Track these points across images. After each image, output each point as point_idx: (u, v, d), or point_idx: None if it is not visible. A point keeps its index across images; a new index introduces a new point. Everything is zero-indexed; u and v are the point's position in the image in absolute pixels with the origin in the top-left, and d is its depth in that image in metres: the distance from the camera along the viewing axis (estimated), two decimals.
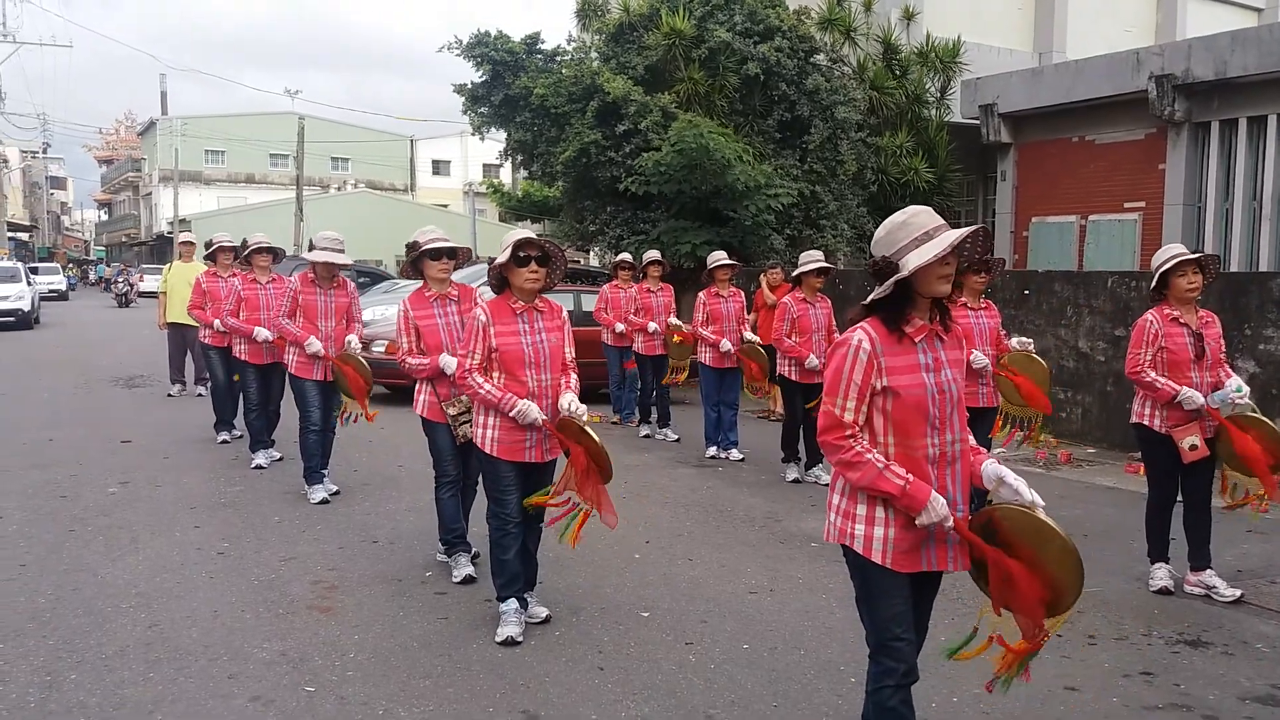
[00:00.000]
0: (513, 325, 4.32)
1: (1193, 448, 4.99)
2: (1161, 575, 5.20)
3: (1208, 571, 5.13)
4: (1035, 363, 6.27)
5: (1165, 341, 4.97)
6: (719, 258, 8.92)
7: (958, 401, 2.86)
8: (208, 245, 9.08)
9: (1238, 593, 5.04)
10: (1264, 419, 5.00)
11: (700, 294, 8.89)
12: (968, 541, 2.79)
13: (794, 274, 7.88)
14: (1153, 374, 4.98)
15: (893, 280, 2.73)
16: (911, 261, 2.70)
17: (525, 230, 4.44)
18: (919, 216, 2.78)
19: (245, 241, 8.11)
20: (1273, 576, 5.49)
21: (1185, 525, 5.16)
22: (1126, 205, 14.72)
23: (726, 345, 8.54)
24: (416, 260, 5.28)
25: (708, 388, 8.85)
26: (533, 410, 4.24)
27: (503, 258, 4.28)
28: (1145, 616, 4.83)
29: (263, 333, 7.60)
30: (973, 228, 2.76)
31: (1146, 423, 5.14)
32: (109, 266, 55.96)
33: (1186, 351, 4.96)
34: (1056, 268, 14.00)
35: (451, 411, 5.06)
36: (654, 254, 10.05)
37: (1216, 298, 8.37)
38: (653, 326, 9.52)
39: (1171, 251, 5.00)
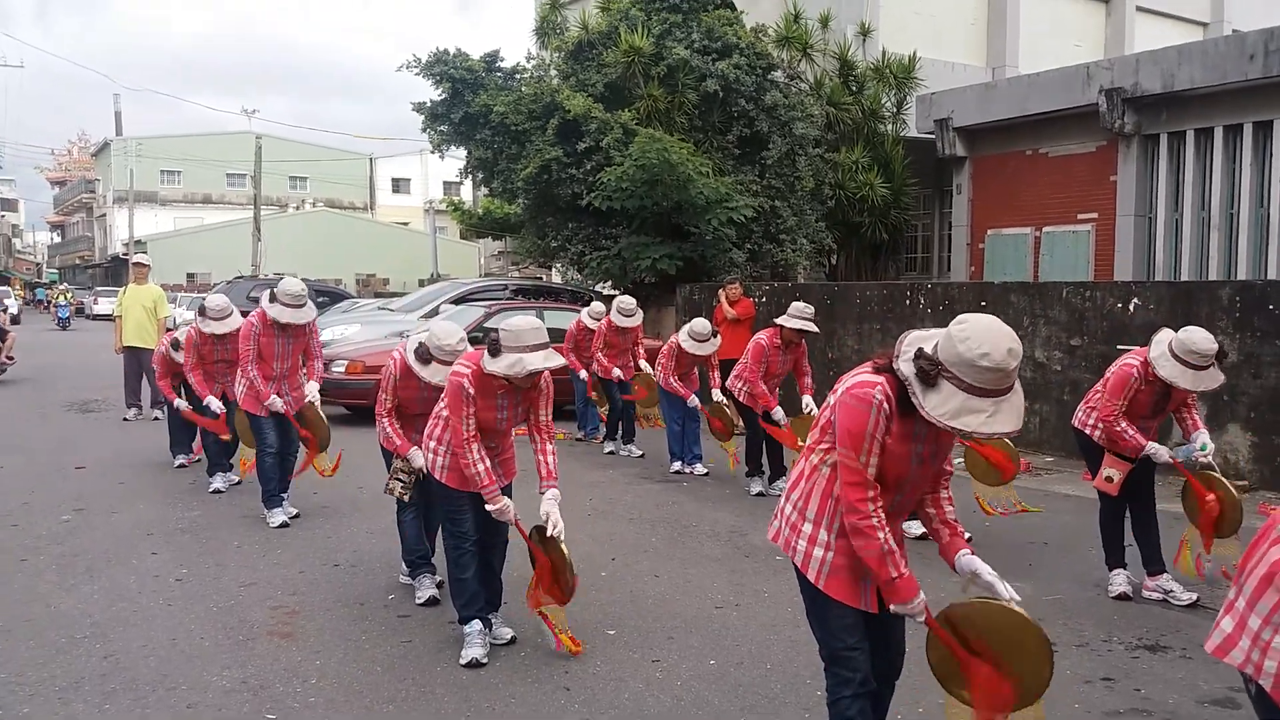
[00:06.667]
0: (491, 400, 4.27)
1: (1109, 479, 5.14)
2: (1120, 581, 5.27)
3: (1164, 576, 5.21)
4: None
5: (1135, 395, 5.04)
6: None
7: (931, 472, 2.88)
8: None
9: (1194, 596, 5.12)
10: (1223, 480, 5.17)
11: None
12: (938, 637, 2.80)
13: (778, 321, 7.58)
14: (1124, 423, 5.05)
15: (913, 395, 2.58)
16: (937, 407, 2.53)
17: (536, 354, 4.03)
18: (989, 373, 2.48)
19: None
20: (1226, 580, 5.57)
21: (1134, 532, 5.26)
22: (1080, 216, 14.98)
23: (694, 401, 8.61)
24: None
25: (668, 404, 8.89)
26: (507, 509, 4.30)
27: (504, 371, 4.03)
28: (1105, 623, 4.89)
29: (215, 404, 7.42)
30: (1006, 431, 2.55)
31: (1088, 432, 5.26)
32: (49, 288, 51.65)
33: (1147, 408, 5.08)
34: (1012, 279, 14.20)
35: (398, 463, 5.09)
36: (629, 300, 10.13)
37: (1169, 306, 8.55)
38: (616, 372, 9.71)
39: (1192, 360, 4.76)
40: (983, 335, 2.49)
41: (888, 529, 2.72)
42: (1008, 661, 2.71)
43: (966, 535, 2.96)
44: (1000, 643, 2.71)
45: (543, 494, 4.28)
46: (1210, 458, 5.13)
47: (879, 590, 2.87)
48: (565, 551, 4.23)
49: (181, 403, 8.28)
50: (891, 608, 2.75)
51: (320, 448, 6.66)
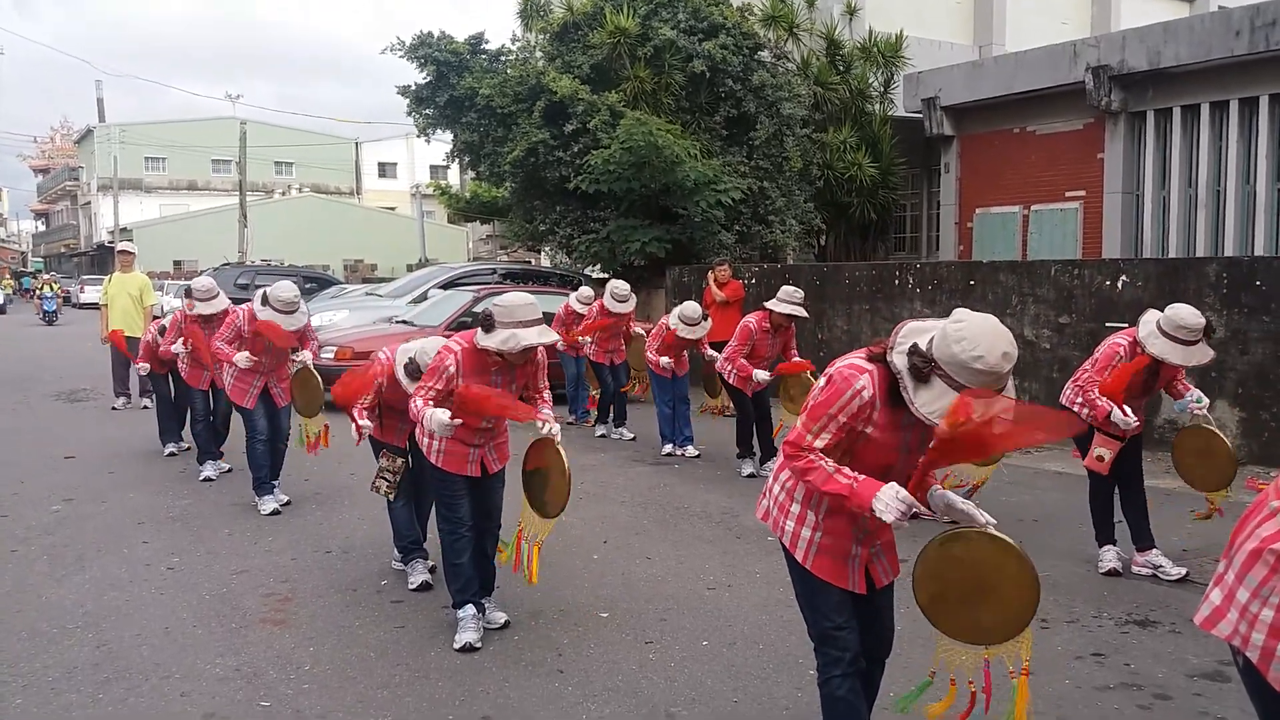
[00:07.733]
0: (485, 378, 4.23)
1: (1099, 458, 5.16)
2: (1110, 557, 5.31)
3: (1153, 551, 5.25)
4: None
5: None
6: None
7: (917, 460, 2.86)
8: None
9: (1183, 571, 5.17)
10: (1219, 432, 5.19)
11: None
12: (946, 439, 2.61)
13: (767, 305, 7.53)
14: (1094, 392, 5.06)
15: (903, 390, 2.59)
16: (927, 404, 2.54)
17: (531, 330, 4.04)
18: (983, 376, 2.49)
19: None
20: (1215, 554, 5.59)
21: (1122, 507, 5.30)
22: (1067, 194, 15.00)
23: (667, 362, 8.61)
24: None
25: (659, 387, 8.89)
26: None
27: (498, 346, 4.05)
28: (1095, 598, 4.93)
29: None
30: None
31: (1076, 410, 5.28)
32: (35, 277, 52.32)
33: (1136, 387, 5.09)
34: (1001, 258, 14.23)
35: (383, 462, 5.09)
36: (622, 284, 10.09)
37: (1156, 283, 8.57)
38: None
39: (1180, 335, 4.79)
40: (978, 337, 2.49)
41: (826, 459, 2.71)
42: (994, 588, 2.71)
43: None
44: (985, 570, 2.72)
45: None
46: (1206, 410, 5.16)
47: (867, 570, 2.90)
48: (562, 453, 4.23)
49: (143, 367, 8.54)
50: (879, 514, 2.59)
51: (308, 412, 6.53)
